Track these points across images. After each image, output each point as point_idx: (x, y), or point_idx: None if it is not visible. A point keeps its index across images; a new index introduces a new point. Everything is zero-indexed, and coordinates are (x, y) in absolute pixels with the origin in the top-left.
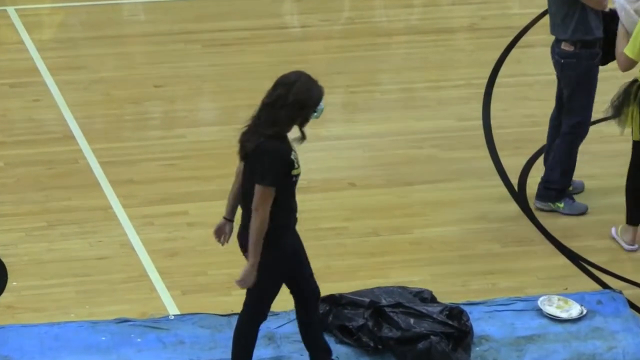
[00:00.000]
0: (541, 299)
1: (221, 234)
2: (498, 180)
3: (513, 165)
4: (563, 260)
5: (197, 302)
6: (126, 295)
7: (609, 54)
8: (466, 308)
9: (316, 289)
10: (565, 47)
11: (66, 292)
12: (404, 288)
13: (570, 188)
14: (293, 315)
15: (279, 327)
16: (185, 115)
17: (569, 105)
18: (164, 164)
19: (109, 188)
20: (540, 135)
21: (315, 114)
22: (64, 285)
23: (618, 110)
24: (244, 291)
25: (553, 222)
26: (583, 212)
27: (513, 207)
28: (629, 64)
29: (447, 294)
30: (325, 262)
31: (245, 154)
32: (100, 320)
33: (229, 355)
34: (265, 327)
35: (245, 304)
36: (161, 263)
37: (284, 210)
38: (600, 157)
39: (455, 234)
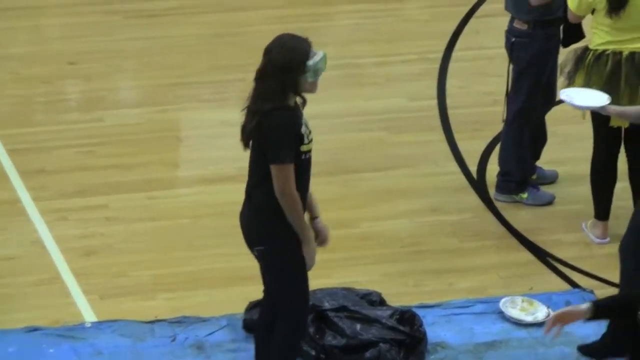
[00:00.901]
0: (503, 300)
1: (316, 237)
2: (455, 167)
3: (471, 150)
4: (527, 256)
5: (117, 308)
6: (37, 300)
7: (572, 35)
8: (419, 311)
9: None
10: (517, 24)
11: None
12: (349, 289)
13: (534, 176)
14: (224, 322)
15: (208, 334)
16: (103, 96)
17: (514, 89)
18: (80, 151)
19: (17, 179)
20: (501, 117)
21: (308, 73)
22: None
23: (571, 78)
24: (171, 295)
25: (516, 214)
26: (549, 202)
27: (472, 197)
28: (572, 16)
29: (398, 296)
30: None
31: (247, 137)
32: (7, 329)
33: None
34: (194, 335)
35: (284, 311)
36: (76, 263)
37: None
38: (573, 140)
39: (407, 228)
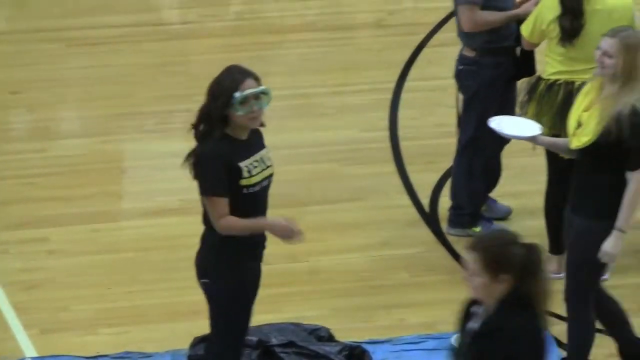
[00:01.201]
0: (455, 336)
1: None
2: (407, 200)
3: (424, 183)
4: None
5: (58, 343)
6: None
7: (525, 69)
8: (369, 347)
9: None
10: (466, 52)
11: None
12: (297, 325)
13: (484, 208)
14: (168, 357)
15: None
16: (46, 126)
17: (463, 119)
18: (21, 182)
19: None
20: (455, 148)
21: (235, 105)
22: None
23: (523, 108)
24: (114, 330)
25: None
26: None
27: (424, 230)
28: (525, 43)
29: (348, 331)
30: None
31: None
32: None
33: None
34: None
35: (210, 348)
36: (17, 297)
37: None
38: (529, 173)
39: (357, 262)
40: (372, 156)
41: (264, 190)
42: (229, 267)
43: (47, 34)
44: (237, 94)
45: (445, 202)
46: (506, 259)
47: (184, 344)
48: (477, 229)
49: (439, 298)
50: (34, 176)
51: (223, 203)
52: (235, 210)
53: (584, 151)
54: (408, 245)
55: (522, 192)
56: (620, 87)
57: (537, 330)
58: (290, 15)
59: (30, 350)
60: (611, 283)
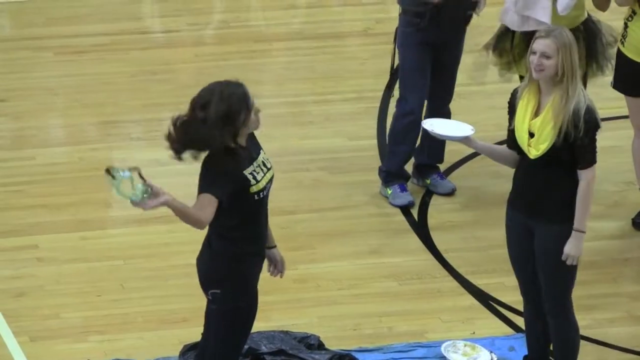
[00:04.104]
0: (445, 344)
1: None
2: (395, 208)
3: (412, 190)
4: (470, 300)
5: (48, 350)
6: None
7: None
8: (358, 355)
9: None
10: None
11: None
12: (286, 333)
13: (428, 181)
14: None
15: None
16: (33, 134)
17: None
18: (10, 190)
19: None
20: (445, 156)
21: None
22: None
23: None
24: (103, 337)
25: (458, 257)
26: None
27: (412, 238)
28: None
29: (337, 339)
30: (194, 302)
31: None
32: None
33: None
34: None
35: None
36: (6, 305)
37: (246, 237)
38: None
39: (345, 270)
40: (359, 164)
41: (268, 193)
42: (244, 278)
43: (34, 42)
44: (252, 102)
45: (434, 210)
46: None
47: (174, 352)
48: (389, 191)
49: (428, 306)
50: (21, 184)
51: (213, 204)
52: (247, 217)
53: (544, 157)
54: (396, 253)
55: None
56: (565, 86)
57: None
58: (277, 24)
59: (20, 358)
60: (604, 291)
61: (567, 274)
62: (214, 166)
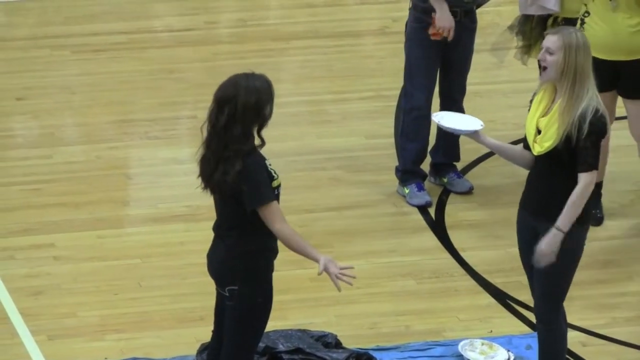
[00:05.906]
0: (462, 343)
1: None
2: (412, 207)
3: (429, 189)
4: (487, 298)
5: (65, 349)
6: None
7: None
8: (376, 354)
9: None
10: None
11: None
12: (304, 331)
13: (445, 180)
14: None
15: None
16: (51, 132)
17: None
18: (27, 188)
19: None
20: (461, 155)
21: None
22: None
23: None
24: (121, 336)
25: (476, 255)
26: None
27: (430, 237)
28: None
29: (354, 338)
30: (211, 300)
31: (215, 186)
32: None
33: None
34: None
35: (229, 352)
36: (24, 303)
37: (266, 233)
38: None
39: (363, 269)
40: (377, 163)
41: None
42: (262, 274)
43: (52, 41)
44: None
45: (451, 209)
46: None
47: (191, 350)
48: (407, 190)
49: (445, 305)
50: (39, 182)
51: (276, 206)
52: None
53: (547, 156)
54: (414, 252)
55: None
56: (572, 88)
57: None
58: (294, 22)
59: (38, 356)
60: (621, 290)
61: (560, 278)
62: (256, 167)
